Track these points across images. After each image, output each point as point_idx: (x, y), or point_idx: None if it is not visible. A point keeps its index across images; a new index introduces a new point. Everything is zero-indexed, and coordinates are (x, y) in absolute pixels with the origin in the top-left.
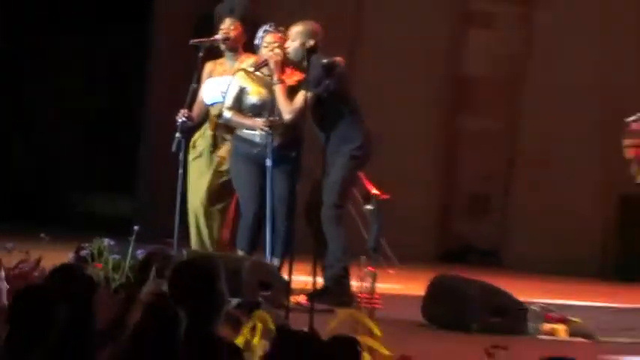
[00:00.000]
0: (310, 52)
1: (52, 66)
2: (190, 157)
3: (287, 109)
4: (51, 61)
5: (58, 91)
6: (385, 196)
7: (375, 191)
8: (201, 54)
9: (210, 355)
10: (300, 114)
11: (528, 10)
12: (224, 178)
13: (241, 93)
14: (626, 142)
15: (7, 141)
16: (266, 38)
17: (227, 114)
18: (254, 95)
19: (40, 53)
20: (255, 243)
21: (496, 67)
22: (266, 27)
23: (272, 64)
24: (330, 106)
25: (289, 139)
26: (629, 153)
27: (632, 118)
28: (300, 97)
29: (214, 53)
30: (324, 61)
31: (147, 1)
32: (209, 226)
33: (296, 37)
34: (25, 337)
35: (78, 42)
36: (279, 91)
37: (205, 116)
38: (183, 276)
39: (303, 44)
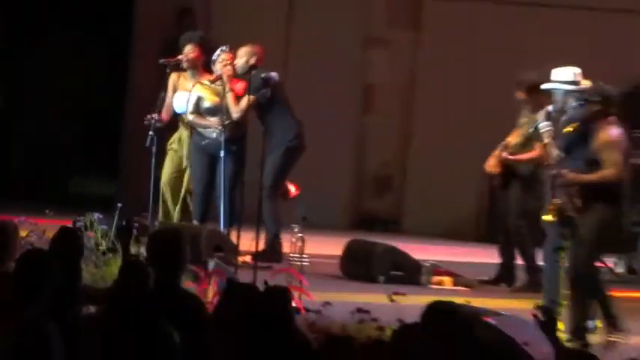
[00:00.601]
0: (252, 67)
1: (50, 67)
2: (169, 150)
3: (235, 110)
4: (50, 60)
5: (55, 92)
6: (296, 193)
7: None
8: (168, 70)
9: (175, 301)
10: (245, 114)
11: (416, 35)
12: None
13: (199, 100)
14: (497, 155)
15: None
16: (221, 56)
17: (190, 117)
18: (208, 102)
19: (35, 53)
20: (206, 214)
21: (393, 77)
22: (222, 48)
23: (225, 77)
24: (268, 108)
25: (236, 134)
26: (494, 168)
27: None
28: (245, 101)
29: (180, 68)
30: (263, 75)
31: (126, 37)
32: (175, 203)
33: (242, 55)
34: (25, 290)
35: (75, 41)
36: (229, 97)
37: (174, 119)
38: (156, 241)
39: (247, 61)
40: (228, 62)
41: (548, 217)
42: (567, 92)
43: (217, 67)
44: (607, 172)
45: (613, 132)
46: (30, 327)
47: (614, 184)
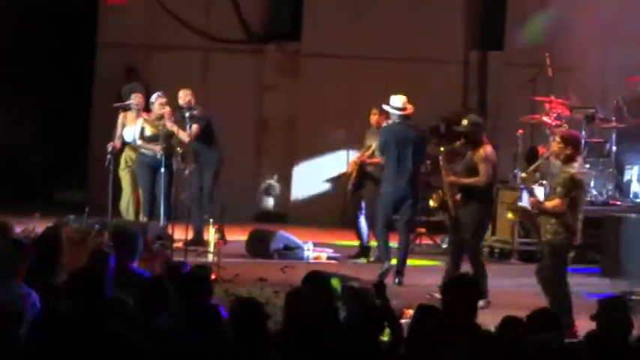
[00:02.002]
0: (179, 107)
1: (33, 113)
2: (121, 168)
3: (185, 138)
4: (33, 109)
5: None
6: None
7: None
8: (120, 110)
9: (130, 278)
10: (194, 139)
11: (295, 81)
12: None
13: (142, 131)
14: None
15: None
16: (158, 100)
17: (139, 142)
18: (149, 132)
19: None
20: (152, 212)
21: (280, 110)
22: (158, 93)
23: (166, 116)
24: (204, 133)
25: (169, 154)
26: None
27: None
28: (195, 128)
29: (126, 109)
30: (195, 111)
31: (89, 88)
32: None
33: (181, 97)
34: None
35: (51, 91)
36: (175, 130)
37: (123, 146)
38: (116, 233)
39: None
40: (164, 103)
41: (432, 203)
42: (398, 116)
43: (156, 108)
44: (480, 179)
45: (489, 149)
46: None
47: (485, 188)
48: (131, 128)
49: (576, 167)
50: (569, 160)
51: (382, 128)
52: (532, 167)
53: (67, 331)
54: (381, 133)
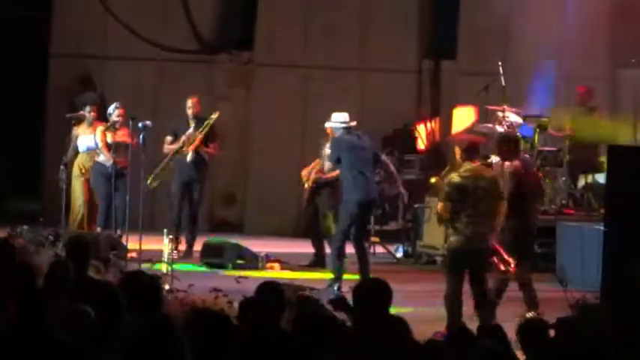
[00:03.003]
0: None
1: None
2: (74, 177)
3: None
4: None
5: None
6: None
7: None
8: (73, 121)
9: (85, 288)
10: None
11: (247, 92)
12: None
13: (96, 140)
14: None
15: None
16: (116, 111)
17: (103, 151)
18: (109, 141)
19: None
20: (108, 223)
21: (234, 121)
22: (116, 104)
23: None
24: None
25: (125, 165)
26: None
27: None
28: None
29: (79, 120)
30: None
31: (44, 98)
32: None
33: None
34: None
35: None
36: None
37: (76, 155)
38: (70, 244)
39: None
40: (123, 114)
41: None
42: (343, 129)
43: (113, 118)
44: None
45: (510, 164)
46: None
47: (510, 201)
48: (85, 138)
49: (462, 171)
50: (461, 164)
51: (333, 140)
52: (443, 173)
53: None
54: (333, 146)
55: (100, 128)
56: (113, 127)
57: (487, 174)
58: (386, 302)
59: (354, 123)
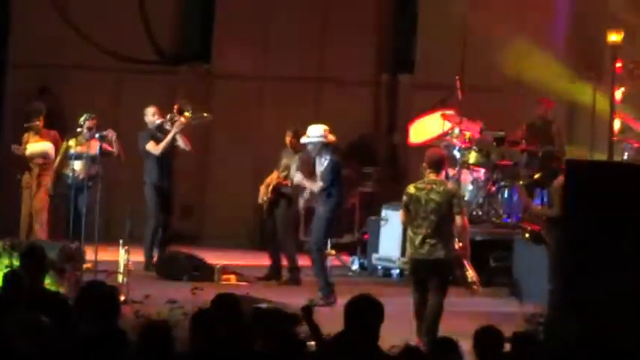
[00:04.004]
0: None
1: None
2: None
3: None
4: None
5: None
6: None
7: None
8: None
9: (40, 297)
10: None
11: (206, 103)
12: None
13: (67, 150)
14: (266, 185)
15: None
16: (87, 123)
17: (75, 162)
18: (75, 151)
19: None
20: (75, 233)
21: (194, 132)
22: (87, 115)
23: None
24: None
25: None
26: (265, 194)
27: None
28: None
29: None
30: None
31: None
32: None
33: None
34: None
35: None
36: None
37: (28, 164)
38: (25, 253)
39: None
40: (94, 125)
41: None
42: (320, 142)
43: (84, 129)
44: (554, 210)
45: (561, 180)
46: None
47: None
48: (36, 145)
49: (418, 182)
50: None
51: (332, 162)
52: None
53: None
54: (332, 168)
55: (74, 138)
56: (84, 138)
57: (443, 187)
58: (378, 319)
59: (332, 137)
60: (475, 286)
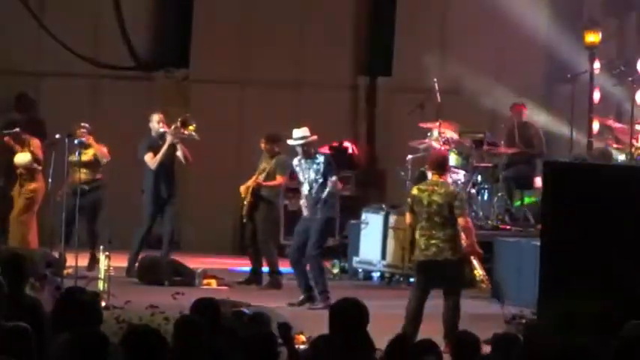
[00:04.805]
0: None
1: None
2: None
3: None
4: None
5: None
6: None
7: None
8: (6, 138)
9: (21, 303)
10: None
11: (184, 109)
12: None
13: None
14: (247, 187)
15: None
16: (79, 130)
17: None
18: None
19: None
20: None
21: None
22: (85, 125)
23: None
24: None
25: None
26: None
27: None
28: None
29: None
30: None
31: None
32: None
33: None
34: None
35: None
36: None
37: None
38: (5, 260)
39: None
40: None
41: None
42: (314, 140)
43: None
44: None
45: None
46: None
47: None
48: (19, 156)
49: (421, 184)
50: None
51: (328, 159)
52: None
53: None
54: (330, 165)
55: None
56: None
57: (444, 189)
58: (364, 324)
59: (313, 137)
60: (483, 284)
